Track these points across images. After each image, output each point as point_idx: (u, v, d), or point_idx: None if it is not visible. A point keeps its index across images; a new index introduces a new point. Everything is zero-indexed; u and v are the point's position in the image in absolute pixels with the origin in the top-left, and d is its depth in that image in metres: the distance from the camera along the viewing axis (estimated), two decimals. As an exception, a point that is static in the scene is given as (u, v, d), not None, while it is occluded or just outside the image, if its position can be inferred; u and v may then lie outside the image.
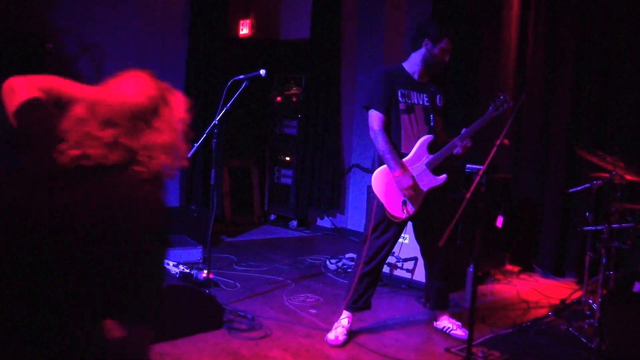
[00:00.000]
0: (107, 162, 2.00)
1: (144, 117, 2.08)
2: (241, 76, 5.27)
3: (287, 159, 9.56)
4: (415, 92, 5.04)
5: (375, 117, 4.92)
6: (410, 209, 4.97)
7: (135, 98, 2.08)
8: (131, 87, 2.11)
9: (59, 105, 2.27)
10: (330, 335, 5.04)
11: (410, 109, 5.00)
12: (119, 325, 1.94)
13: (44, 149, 2.06)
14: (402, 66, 5.11)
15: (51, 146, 2.03)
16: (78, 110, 2.07)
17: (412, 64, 5.09)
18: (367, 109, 4.99)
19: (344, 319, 5.15)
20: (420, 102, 5.06)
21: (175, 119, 2.19)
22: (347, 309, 5.16)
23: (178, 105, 2.22)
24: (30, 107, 2.25)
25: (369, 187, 5.14)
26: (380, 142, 4.88)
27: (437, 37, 4.97)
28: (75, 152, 1.99)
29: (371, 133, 4.95)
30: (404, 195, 4.93)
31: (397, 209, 4.98)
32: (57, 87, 2.40)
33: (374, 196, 5.04)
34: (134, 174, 2.03)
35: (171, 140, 2.13)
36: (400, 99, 4.96)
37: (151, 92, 2.12)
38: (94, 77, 7.48)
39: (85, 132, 2.01)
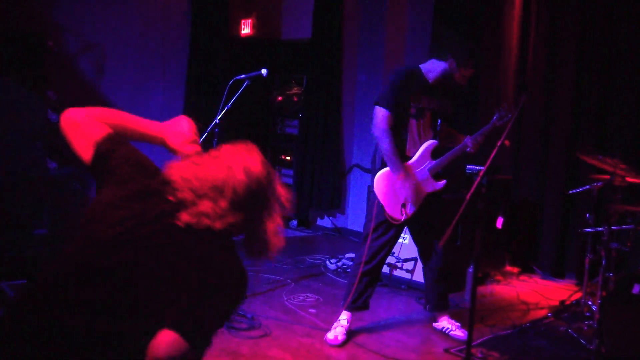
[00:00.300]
0: (214, 228, 2.16)
1: (258, 197, 2.25)
2: (242, 76, 5.27)
3: (288, 158, 9.56)
4: (426, 97, 5.05)
5: (383, 115, 4.90)
6: (410, 211, 4.98)
7: (253, 178, 2.24)
8: (250, 164, 2.26)
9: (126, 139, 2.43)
10: (330, 335, 5.05)
11: (420, 113, 5.02)
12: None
13: (149, 195, 2.21)
14: (419, 68, 5.10)
15: (154, 193, 2.20)
16: (189, 174, 2.22)
17: (431, 69, 5.08)
18: (377, 104, 4.97)
19: (343, 319, 5.15)
20: (431, 107, 5.07)
21: (280, 203, 2.33)
22: (347, 309, 5.17)
23: (280, 189, 2.35)
24: (111, 143, 2.35)
25: (370, 188, 5.15)
26: (386, 142, 4.89)
27: (464, 62, 4.98)
28: (189, 217, 2.15)
29: (376, 131, 4.94)
30: (404, 198, 4.96)
31: (396, 211, 5.00)
32: (122, 121, 2.54)
33: (375, 197, 5.06)
34: (230, 245, 2.23)
35: (276, 225, 2.31)
36: (412, 102, 4.98)
37: (266, 173, 2.28)
38: (95, 76, 7.49)
39: (201, 197, 2.17)
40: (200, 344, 2.11)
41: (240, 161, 2.26)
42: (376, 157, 5.14)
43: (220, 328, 2.21)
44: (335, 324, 5.15)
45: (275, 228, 2.30)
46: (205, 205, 2.16)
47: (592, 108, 6.95)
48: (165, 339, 2.03)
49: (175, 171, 2.25)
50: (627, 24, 6.71)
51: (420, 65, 5.13)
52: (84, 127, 2.37)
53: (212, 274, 2.14)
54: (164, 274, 2.11)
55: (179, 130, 2.56)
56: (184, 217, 2.15)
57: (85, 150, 2.35)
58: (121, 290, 2.08)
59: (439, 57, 5.08)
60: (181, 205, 2.17)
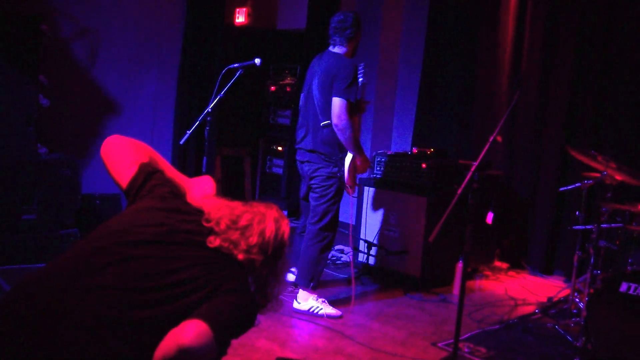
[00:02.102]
0: (237, 257, 2.40)
1: (279, 249, 2.52)
2: (236, 64, 5.25)
3: (280, 149, 9.54)
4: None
5: (348, 107, 5.36)
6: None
7: (280, 231, 2.53)
8: (279, 219, 2.56)
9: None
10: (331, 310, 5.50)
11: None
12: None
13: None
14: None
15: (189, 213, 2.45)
16: (224, 210, 2.48)
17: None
18: (340, 97, 5.35)
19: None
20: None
21: (286, 257, 2.61)
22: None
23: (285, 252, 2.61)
24: (152, 167, 2.59)
25: (337, 172, 5.62)
26: (351, 130, 5.41)
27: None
28: (220, 241, 2.39)
29: (342, 121, 5.35)
30: (356, 177, 5.72)
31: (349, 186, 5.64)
32: (157, 157, 2.71)
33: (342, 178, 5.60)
34: (245, 276, 2.45)
35: (279, 286, 2.58)
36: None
37: (288, 235, 2.57)
38: (88, 62, 7.45)
39: (233, 229, 2.43)
40: (223, 343, 2.22)
41: (272, 214, 2.54)
42: (333, 145, 5.52)
43: (236, 338, 2.33)
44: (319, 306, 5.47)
45: (278, 289, 2.57)
46: (236, 236, 2.42)
47: (587, 106, 6.96)
48: (194, 327, 2.12)
49: (209, 204, 2.51)
50: (625, 23, 6.70)
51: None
52: (130, 149, 2.61)
53: (234, 289, 2.33)
54: (193, 274, 2.28)
55: (202, 186, 2.75)
56: (215, 240, 2.38)
57: (127, 169, 2.54)
58: (150, 280, 2.22)
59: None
60: (212, 231, 2.40)
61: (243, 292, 2.37)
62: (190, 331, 2.10)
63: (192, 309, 2.19)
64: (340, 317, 5.47)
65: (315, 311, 5.45)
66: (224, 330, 2.21)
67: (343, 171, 5.52)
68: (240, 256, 2.40)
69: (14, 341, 2.05)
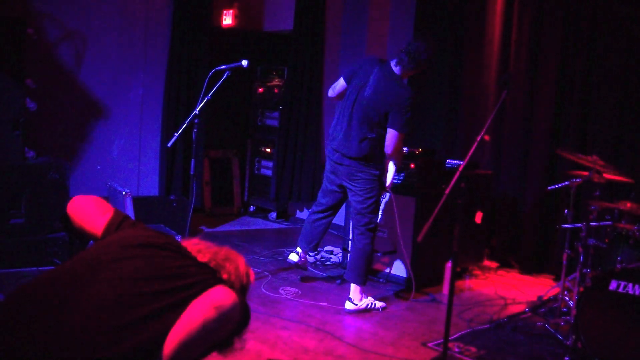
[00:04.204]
0: (219, 274, 2.69)
1: (247, 284, 2.88)
2: (223, 66, 5.25)
3: (268, 150, 9.53)
4: None
5: (402, 140, 5.66)
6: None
7: (245, 269, 2.85)
8: (242, 262, 2.86)
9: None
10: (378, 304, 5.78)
11: None
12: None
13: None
14: None
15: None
16: (206, 253, 2.79)
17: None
18: (400, 131, 5.59)
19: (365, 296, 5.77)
20: None
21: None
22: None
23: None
24: (123, 216, 2.83)
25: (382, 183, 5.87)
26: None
27: None
28: (210, 259, 2.74)
29: (399, 153, 5.74)
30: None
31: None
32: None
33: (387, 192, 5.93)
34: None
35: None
36: None
37: (251, 275, 2.92)
38: (74, 65, 7.43)
39: (214, 259, 2.76)
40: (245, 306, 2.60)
41: (240, 257, 2.87)
42: (376, 166, 5.73)
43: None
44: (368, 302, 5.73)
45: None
46: (219, 261, 2.75)
47: (574, 105, 6.97)
48: (219, 289, 2.49)
49: (185, 243, 2.80)
50: (610, 22, 6.72)
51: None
52: (96, 204, 2.86)
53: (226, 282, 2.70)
54: (187, 265, 2.59)
55: None
56: (204, 257, 2.73)
57: (100, 218, 2.78)
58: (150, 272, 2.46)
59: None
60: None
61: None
62: (218, 293, 2.46)
63: (192, 298, 2.42)
64: (385, 308, 5.82)
65: (372, 306, 5.75)
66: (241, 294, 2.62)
67: (385, 175, 5.79)
68: (225, 276, 2.69)
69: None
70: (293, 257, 6.20)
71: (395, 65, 5.62)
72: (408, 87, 5.72)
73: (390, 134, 5.53)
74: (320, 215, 6.13)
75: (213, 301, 2.41)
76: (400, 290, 6.27)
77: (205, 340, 2.43)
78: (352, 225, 5.93)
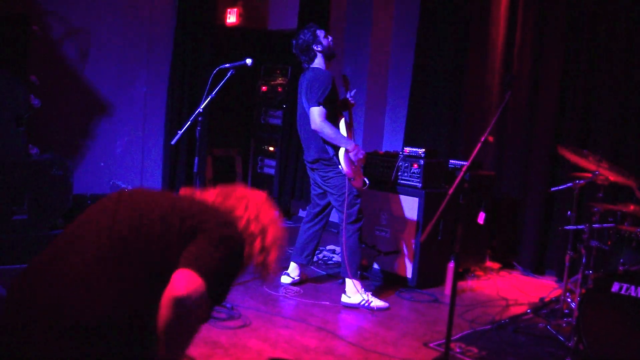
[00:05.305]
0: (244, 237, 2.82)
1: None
2: (227, 65, 5.25)
3: (271, 149, 9.53)
4: None
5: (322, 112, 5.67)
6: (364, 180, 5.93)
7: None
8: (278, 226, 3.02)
9: None
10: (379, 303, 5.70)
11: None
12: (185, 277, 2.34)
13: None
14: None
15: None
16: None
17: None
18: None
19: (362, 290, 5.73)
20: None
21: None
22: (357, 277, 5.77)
23: None
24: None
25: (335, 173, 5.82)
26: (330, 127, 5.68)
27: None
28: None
29: (318, 124, 5.68)
30: (360, 167, 5.85)
31: (359, 182, 5.83)
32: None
33: (344, 178, 5.75)
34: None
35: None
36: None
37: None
38: (79, 62, 7.44)
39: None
40: (215, 287, 2.40)
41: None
42: (327, 149, 5.78)
43: (230, 280, 2.62)
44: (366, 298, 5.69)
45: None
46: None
47: (577, 106, 6.96)
48: (182, 275, 2.30)
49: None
50: (613, 22, 6.72)
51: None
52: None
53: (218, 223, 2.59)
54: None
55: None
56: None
57: None
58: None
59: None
60: None
61: (227, 226, 2.62)
62: (181, 280, 2.29)
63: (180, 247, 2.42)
64: (388, 308, 5.73)
65: (366, 305, 5.67)
66: (212, 273, 2.39)
67: (341, 166, 5.71)
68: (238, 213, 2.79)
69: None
70: (285, 280, 6.21)
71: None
72: (318, 69, 5.93)
73: (311, 111, 5.67)
74: (309, 224, 6.24)
75: (171, 292, 2.29)
76: (402, 290, 6.27)
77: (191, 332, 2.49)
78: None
